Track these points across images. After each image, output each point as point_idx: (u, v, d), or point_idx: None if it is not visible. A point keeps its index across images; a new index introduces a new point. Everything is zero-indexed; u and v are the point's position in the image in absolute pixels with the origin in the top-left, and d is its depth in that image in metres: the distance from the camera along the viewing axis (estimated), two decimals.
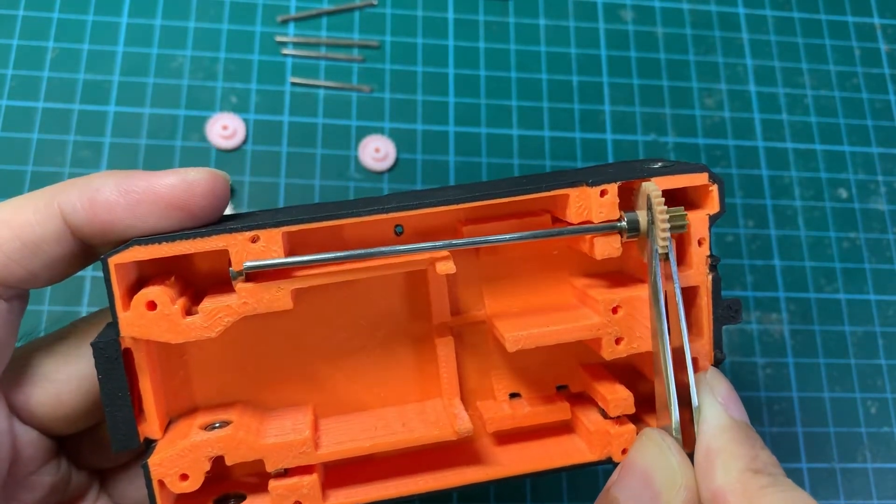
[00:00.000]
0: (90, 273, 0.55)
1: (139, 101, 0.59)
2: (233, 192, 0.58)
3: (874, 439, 0.58)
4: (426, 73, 0.63)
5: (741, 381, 0.59)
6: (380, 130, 0.61)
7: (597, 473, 0.56)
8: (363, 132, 0.61)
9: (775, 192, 0.64)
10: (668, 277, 0.33)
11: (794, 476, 0.57)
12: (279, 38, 0.62)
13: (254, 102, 0.60)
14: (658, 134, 0.64)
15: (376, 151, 0.60)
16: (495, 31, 0.65)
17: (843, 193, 0.64)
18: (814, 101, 0.67)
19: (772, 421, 0.58)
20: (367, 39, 0.63)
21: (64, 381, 0.34)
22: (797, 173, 0.64)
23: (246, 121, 0.60)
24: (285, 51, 0.62)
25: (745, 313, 0.60)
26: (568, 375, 0.39)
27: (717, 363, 0.35)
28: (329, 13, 0.63)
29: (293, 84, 0.61)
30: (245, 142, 0.59)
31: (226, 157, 0.59)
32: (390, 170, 0.60)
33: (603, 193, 0.33)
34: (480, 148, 0.62)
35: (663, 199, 0.33)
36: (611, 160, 0.63)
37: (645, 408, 0.37)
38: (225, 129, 0.59)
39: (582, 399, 0.39)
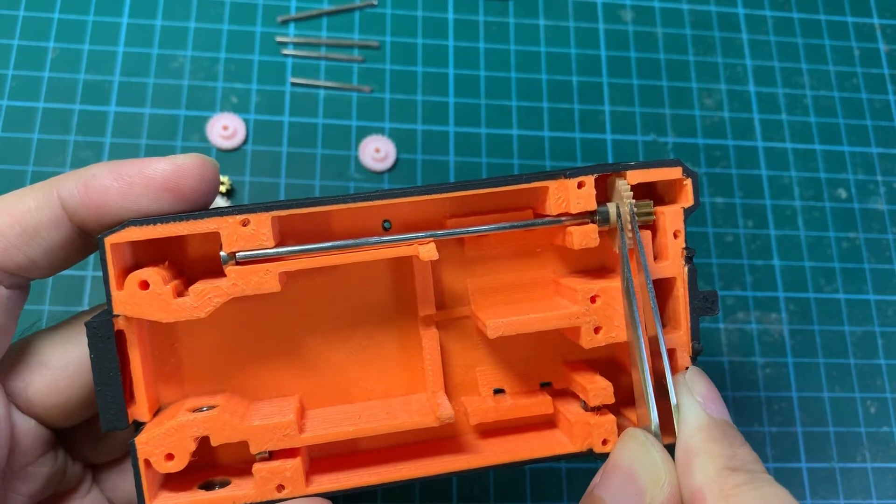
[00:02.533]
0: (90, 273, 0.55)
1: (140, 101, 0.59)
2: (233, 192, 0.58)
3: (873, 439, 0.58)
4: (426, 73, 0.63)
5: (741, 381, 0.59)
6: (380, 130, 0.61)
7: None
8: (363, 132, 0.61)
9: (775, 192, 0.63)
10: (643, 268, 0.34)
11: (794, 475, 0.57)
12: (279, 39, 0.62)
13: (254, 102, 0.61)
14: (658, 134, 0.64)
15: (376, 151, 0.60)
16: (495, 32, 0.65)
17: (843, 193, 0.64)
18: (813, 102, 0.66)
19: (771, 421, 0.58)
20: (367, 40, 0.64)
21: (61, 367, 0.35)
22: (796, 173, 0.64)
23: (246, 121, 0.60)
24: (285, 51, 0.62)
25: (745, 313, 0.60)
26: (551, 372, 0.40)
27: (695, 354, 0.36)
28: (329, 13, 0.64)
29: (293, 84, 0.62)
30: (245, 142, 0.60)
31: (226, 157, 0.59)
32: (390, 170, 0.60)
33: (580, 185, 0.34)
34: (480, 148, 0.62)
35: (631, 192, 0.34)
36: (610, 160, 0.63)
37: (627, 403, 0.38)
38: (225, 129, 0.59)
39: (565, 395, 0.39)
